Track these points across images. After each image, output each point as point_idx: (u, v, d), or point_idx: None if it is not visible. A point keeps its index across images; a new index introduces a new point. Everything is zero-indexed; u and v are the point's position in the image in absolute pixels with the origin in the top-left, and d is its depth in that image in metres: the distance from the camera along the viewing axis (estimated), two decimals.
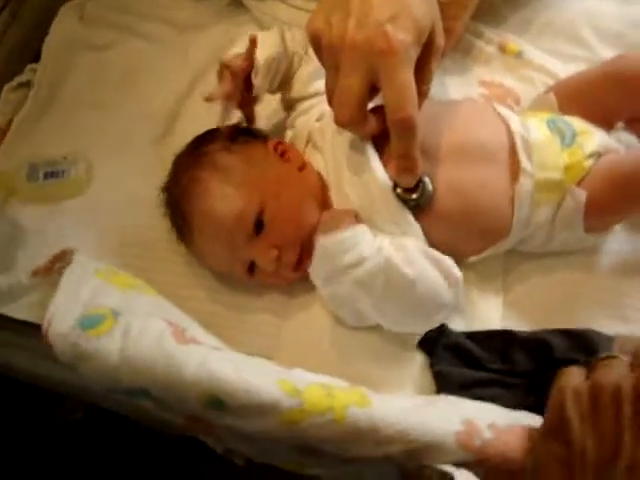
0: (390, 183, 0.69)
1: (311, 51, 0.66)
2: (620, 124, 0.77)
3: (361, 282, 0.66)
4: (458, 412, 0.58)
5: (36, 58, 1.01)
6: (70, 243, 0.74)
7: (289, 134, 0.80)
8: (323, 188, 0.74)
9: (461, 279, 0.68)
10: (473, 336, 0.68)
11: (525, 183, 0.68)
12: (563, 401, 0.48)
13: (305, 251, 0.70)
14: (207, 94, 0.75)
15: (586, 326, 0.66)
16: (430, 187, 0.69)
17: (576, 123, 0.72)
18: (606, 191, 0.68)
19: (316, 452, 0.60)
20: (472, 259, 0.72)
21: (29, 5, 1.01)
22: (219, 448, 0.70)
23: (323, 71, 0.65)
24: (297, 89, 0.80)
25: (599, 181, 0.69)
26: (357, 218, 0.69)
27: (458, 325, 0.70)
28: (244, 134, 0.77)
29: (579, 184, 0.69)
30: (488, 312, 0.71)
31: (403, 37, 0.60)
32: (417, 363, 0.69)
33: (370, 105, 0.65)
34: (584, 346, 0.64)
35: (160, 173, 0.78)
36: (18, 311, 0.70)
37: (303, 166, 0.75)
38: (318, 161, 0.75)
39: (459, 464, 0.54)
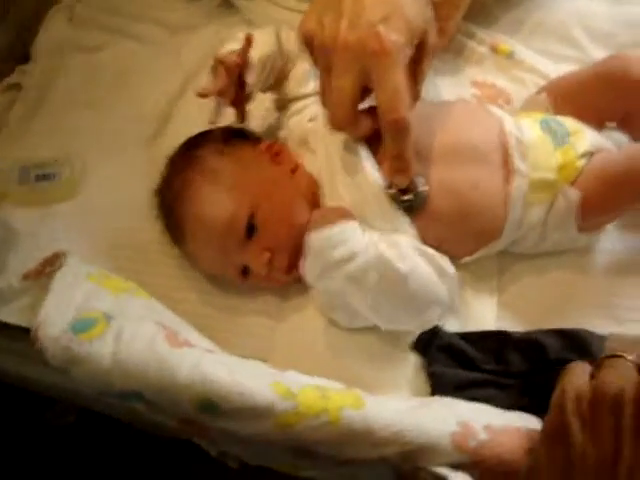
0: (383, 184, 0.69)
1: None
2: (611, 123, 0.77)
3: (353, 277, 0.66)
4: (453, 413, 0.58)
5: (25, 60, 1.00)
6: (62, 246, 0.74)
7: (282, 134, 0.80)
8: (315, 190, 0.74)
9: (455, 275, 0.68)
10: (467, 337, 0.68)
11: (519, 183, 0.68)
12: (564, 404, 0.47)
13: (297, 254, 0.70)
14: (200, 89, 0.75)
15: (579, 326, 0.66)
16: (423, 188, 0.68)
17: (569, 123, 0.72)
18: (599, 190, 0.68)
19: (311, 454, 0.60)
20: (465, 260, 0.72)
21: (17, 7, 1.01)
22: (213, 450, 0.69)
23: (317, 71, 0.65)
24: (291, 89, 0.80)
25: (592, 181, 0.69)
26: (348, 215, 0.69)
27: (452, 326, 0.70)
28: (237, 136, 0.77)
29: (572, 184, 0.69)
30: (482, 313, 0.71)
31: (395, 38, 0.60)
32: (411, 364, 0.69)
33: (363, 106, 0.65)
34: (577, 346, 0.64)
35: (152, 174, 0.77)
36: (9, 315, 0.69)
37: (296, 168, 0.75)
38: (311, 162, 0.75)
39: (454, 466, 0.54)
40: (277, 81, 0.80)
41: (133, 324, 0.61)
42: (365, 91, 0.63)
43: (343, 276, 0.66)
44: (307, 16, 0.64)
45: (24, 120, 0.95)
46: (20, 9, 1.01)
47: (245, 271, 0.72)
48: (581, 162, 0.69)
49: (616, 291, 0.71)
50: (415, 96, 0.66)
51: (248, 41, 0.75)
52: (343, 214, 0.69)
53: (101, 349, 0.59)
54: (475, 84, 0.87)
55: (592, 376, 0.48)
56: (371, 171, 0.69)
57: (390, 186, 0.68)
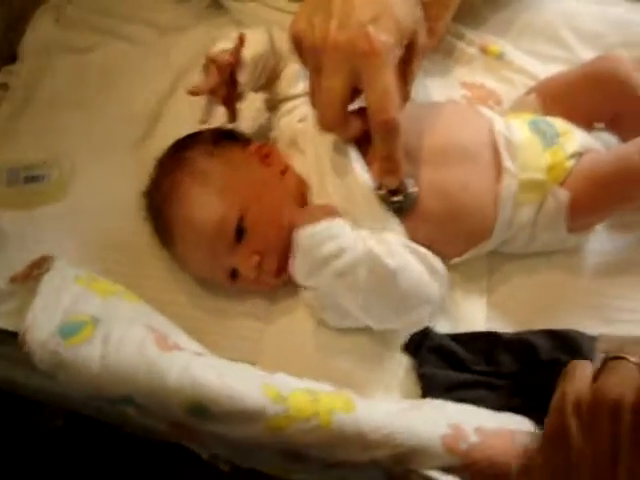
0: (373, 185, 0.68)
1: None
2: (600, 124, 0.77)
3: (342, 274, 0.65)
4: (444, 416, 0.58)
5: (12, 60, 1.00)
6: (51, 248, 0.73)
7: (273, 135, 0.80)
8: (305, 191, 0.73)
9: (446, 273, 0.68)
10: (458, 338, 0.68)
11: (508, 183, 0.68)
12: (564, 407, 0.47)
13: (286, 257, 0.70)
14: (192, 87, 0.74)
15: (569, 326, 0.66)
16: (413, 189, 0.68)
17: (558, 124, 0.72)
18: (588, 191, 0.68)
19: (301, 457, 0.59)
20: (454, 261, 0.72)
21: (4, 7, 1.00)
22: (204, 454, 0.69)
23: (307, 72, 0.65)
24: (282, 89, 0.79)
25: (581, 181, 0.69)
26: (335, 213, 0.69)
27: (443, 327, 0.70)
28: (226, 137, 0.76)
29: (562, 184, 0.69)
30: (472, 313, 0.71)
31: (385, 38, 0.59)
32: (402, 366, 0.68)
33: (353, 107, 0.65)
34: (568, 346, 0.64)
35: (142, 175, 0.77)
36: None
37: (285, 169, 0.74)
38: (301, 163, 0.75)
39: (446, 469, 0.54)
40: (269, 81, 0.80)
41: (122, 327, 0.61)
42: (355, 92, 0.63)
43: (332, 272, 0.66)
44: (297, 17, 0.64)
45: (11, 120, 0.94)
46: (7, 9, 1.00)
47: (234, 274, 0.72)
48: (570, 163, 0.69)
49: (605, 291, 0.71)
50: (405, 97, 0.66)
51: (241, 40, 0.75)
52: (330, 211, 0.68)
53: (89, 353, 0.59)
54: (465, 85, 0.87)
55: (595, 377, 0.48)
56: (361, 172, 0.69)
57: (380, 187, 0.68)
